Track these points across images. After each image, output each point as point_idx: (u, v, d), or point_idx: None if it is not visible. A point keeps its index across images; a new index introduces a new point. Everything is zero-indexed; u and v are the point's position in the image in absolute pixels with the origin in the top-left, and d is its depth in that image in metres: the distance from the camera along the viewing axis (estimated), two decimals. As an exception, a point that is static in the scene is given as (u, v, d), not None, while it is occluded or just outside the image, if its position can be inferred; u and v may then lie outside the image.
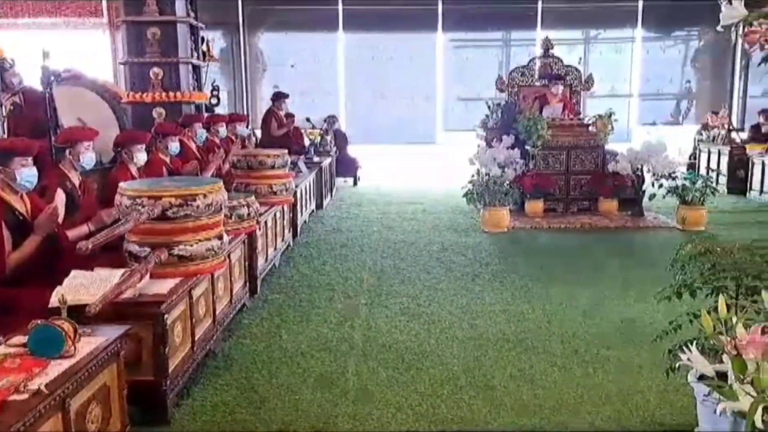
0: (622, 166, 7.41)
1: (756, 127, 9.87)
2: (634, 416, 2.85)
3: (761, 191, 8.69)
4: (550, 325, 3.96)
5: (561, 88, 8.09)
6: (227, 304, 3.83)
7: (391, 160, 12.00)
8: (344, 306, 4.35)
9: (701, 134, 10.80)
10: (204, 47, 7.79)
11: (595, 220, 7.18)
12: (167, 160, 4.97)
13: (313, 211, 7.57)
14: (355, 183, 10.41)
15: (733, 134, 10.02)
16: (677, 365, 2.43)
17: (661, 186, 7.15)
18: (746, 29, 2.69)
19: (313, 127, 9.09)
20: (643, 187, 7.47)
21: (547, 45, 8.50)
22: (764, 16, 2.42)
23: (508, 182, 6.92)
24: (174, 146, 5.04)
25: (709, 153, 10.18)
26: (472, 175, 7.08)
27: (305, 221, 6.96)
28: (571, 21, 11.96)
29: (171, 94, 7.00)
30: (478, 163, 7.21)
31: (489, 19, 11.81)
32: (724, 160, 9.61)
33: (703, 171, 9.96)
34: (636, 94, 12.50)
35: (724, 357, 2.26)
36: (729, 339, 2.17)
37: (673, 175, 7.18)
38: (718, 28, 2.74)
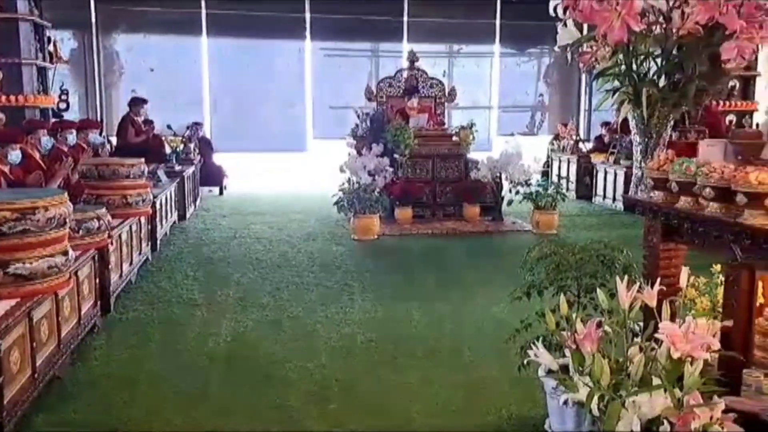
0: (482, 174, 7.83)
1: (599, 138, 10.84)
2: (494, 413, 2.98)
3: (604, 196, 9.55)
4: (416, 330, 4.07)
5: (416, 100, 8.39)
6: (75, 325, 3.54)
7: (259, 169, 11.78)
8: (208, 321, 4.18)
9: (553, 144, 11.68)
10: (51, 48, 7.19)
11: (460, 226, 7.51)
12: (6, 170, 4.51)
13: (175, 222, 7.22)
14: (221, 192, 10.10)
15: (580, 144, 10.95)
16: (526, 361, 2.59)
17: (517, 192, 7.61)
18: (580, 50, 2.96)
19: (175, 135, 8.69)
20: (502, 194, 7.93)
21: (413, 57, 8.79)
22: (593, 39, 2.67)
23: (377, 190, 7.05)
24: (14, 155, 4.59)
25: (560, 161, 11.03)
26: (342, 184, 7.13)
27: (166, 233, 6.62)
28: (435, 35, 12.47)
29: (12, 97, 6.41)
30: (348, 171, 7.27)
31: (357, 30, 12.00)
32: (573, 168, 10.46)
33: (555, 178, 10.76)
34: (495, 106, 13.27)
35: (567, 351, 2.44)
36: (569, 334, 2.35)
37: (528, 182, 7.70)
38: (555, 48, 2.99)
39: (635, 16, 2.46)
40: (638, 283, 2.37)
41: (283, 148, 11.88)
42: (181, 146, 8.44)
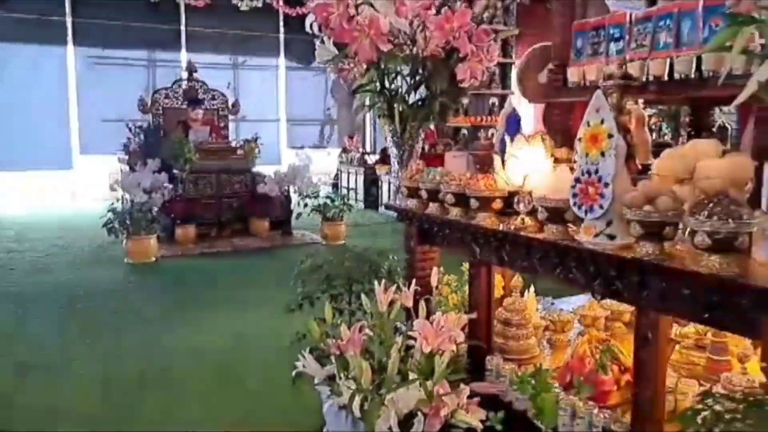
0: (270, 188, 7.82)
1: (384, 150, 11.46)
2: (281, 427, 2.95)
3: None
4: (196, 354, 3.88)
5: (201, 112, 8.13)
6: None
7: (14, 189, 10.39)
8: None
9: (342, 157, 12.11)
10: None
11: (248, 242, 7.38)
12: None
13: None
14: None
15: (366, 157, 11.48)
16: (294, 373, 2.60)
17: (306, 205, 7.73)
18: (340, 65, 3.09)
19: None
20: (291, 207, 8.00)
21: (191, 68, 8.47)
22: (348, 56, 2.80)
23: (155, 208, 6.63)
24: None
25: (348, 174, 11.46)
26: (113, 203, 6.58)
27: None
28: (217, 46, 12.18)
29: None
30: (120, 189, 6.74)
31: (130, 37, 11.23)
32: (360, 179, 10.93)
33: (344, 190, 11.16)
34: (284, 119, 13.37)
35: (333, 358, 2.51)
36: (334, 341, 2.42)
37: (316, 194, 7.86)
38: (315, 64, 3.08)
39: (382, 36, 2.62)
40: (395, 285, 2.53)
41: (44, 166, 10.61)
42: None
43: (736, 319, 1.60)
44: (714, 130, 3.61)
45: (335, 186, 11.75)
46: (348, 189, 11.23)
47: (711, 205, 1.56)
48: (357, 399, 2.19)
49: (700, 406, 1.26)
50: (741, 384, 1.97)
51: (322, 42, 2.93)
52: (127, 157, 7.67)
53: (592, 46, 2.60)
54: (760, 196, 1.85)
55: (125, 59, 11.51)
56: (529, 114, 3.21)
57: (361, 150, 11.98)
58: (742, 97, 1.38)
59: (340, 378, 2.35)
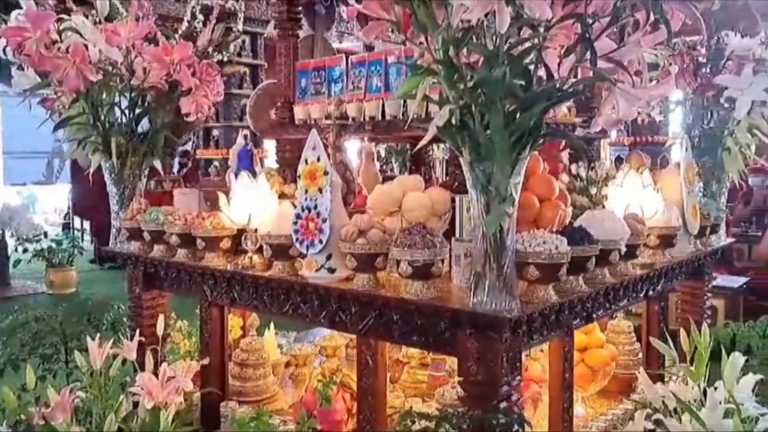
0: (-22, 233, 6.68)
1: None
2: None
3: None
4: None
5: None
6: None
7: None
8: None
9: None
10: None
11: (-52, 298, 6.17)
12: None
13: None
14: None
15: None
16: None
17: (26, 250, 6.74)
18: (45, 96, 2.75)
19: None
20: (9, 253, 6.91)
21: None
22: (48, 85, 2.51)
23: None
24: None
25: (82, 213, 10.31)
26: None
27: None
28: None
29: None
30: None
31: None
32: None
33: (77, 231, 10.00)
34: (1, 152, 11.62)
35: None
36: (38, 410, 2.08)
37: (37, 237, 6.90)
38: (12, 92, 2.71)
39: (90, 66, 2.40)
40: (113, 338, 2.29)
41: None
42: None
43: (437, 339, 1.76)
44: (434, 164, 4.04)
45: (67, 227, 10.47)
46: (82, 230, 10.08)
47: (409, 235, 1.70)
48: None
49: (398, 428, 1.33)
50: (452, 398, 2.15)
51: (21, 68, 2.59)
52: None
53: (315, 86, 2.70)
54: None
55: None
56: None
57: (95, 186, 10.89)
58: (425, 140, 1.52)
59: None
